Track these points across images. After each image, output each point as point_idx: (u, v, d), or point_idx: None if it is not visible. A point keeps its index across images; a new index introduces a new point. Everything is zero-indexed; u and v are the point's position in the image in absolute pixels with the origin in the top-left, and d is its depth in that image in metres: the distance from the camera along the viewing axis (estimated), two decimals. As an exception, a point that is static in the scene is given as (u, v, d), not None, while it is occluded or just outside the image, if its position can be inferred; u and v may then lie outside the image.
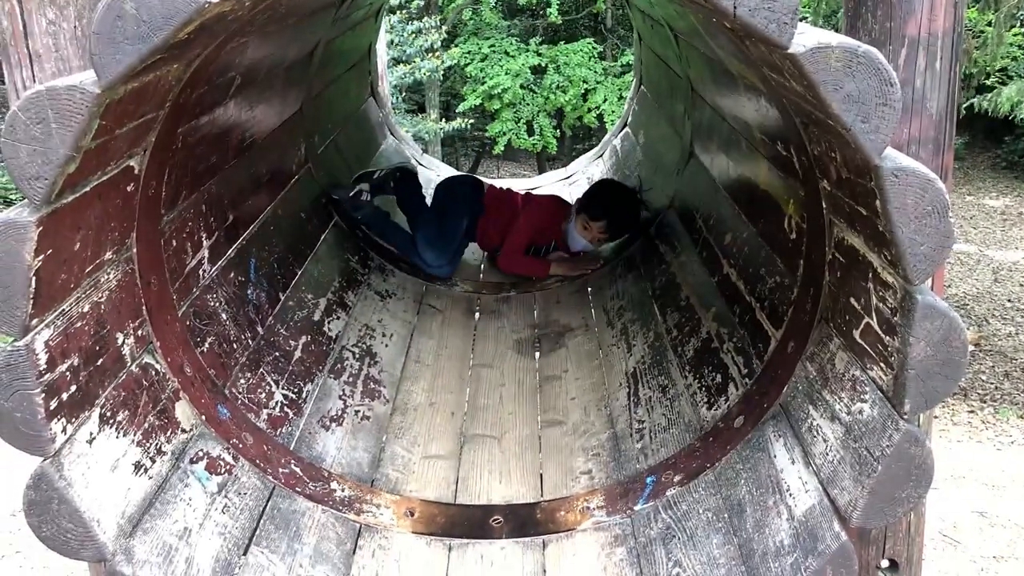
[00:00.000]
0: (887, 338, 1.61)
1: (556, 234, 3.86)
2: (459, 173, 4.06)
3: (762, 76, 1.82)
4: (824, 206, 1.86)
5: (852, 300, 1.75)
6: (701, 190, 3.15)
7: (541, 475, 2.47)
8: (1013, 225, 18.18)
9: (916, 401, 1.57)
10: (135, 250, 1.92)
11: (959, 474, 6.14)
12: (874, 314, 1.66)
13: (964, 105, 11.77)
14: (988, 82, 13.00)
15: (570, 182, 5.13)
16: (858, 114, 1.42)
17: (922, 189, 1.46)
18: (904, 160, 1.49)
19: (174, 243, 2.17)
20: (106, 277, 1.79)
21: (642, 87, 4.93)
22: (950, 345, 1.54)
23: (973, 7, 12.14)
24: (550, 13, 16.43)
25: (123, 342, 1.85)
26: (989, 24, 11.20)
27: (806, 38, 1.42)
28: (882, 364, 1.64)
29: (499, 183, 5.53)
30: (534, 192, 4.37)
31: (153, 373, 1.97)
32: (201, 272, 2.34)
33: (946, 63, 2.00)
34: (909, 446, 1.60)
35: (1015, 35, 14.17)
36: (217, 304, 2.39)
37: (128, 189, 1.83)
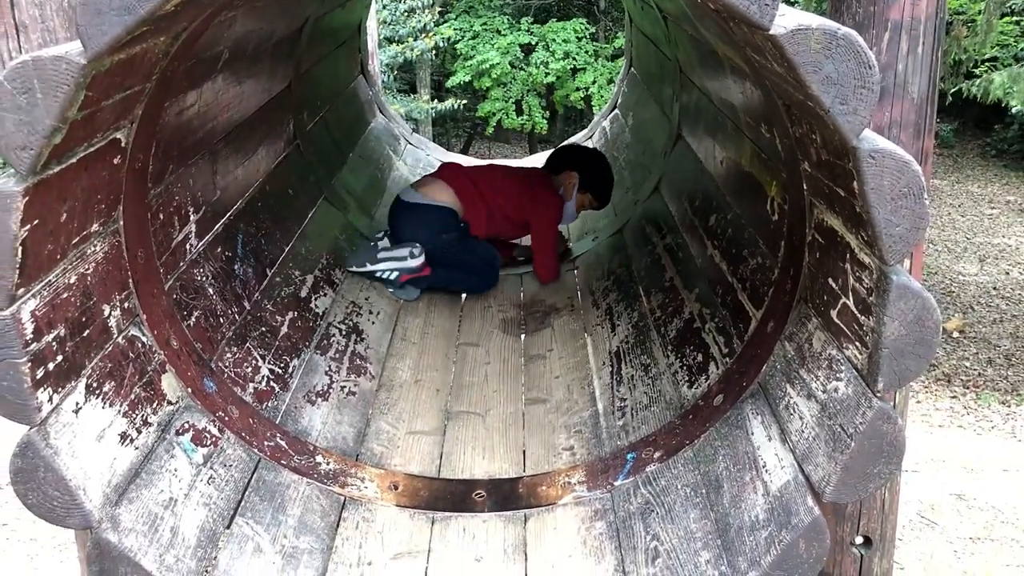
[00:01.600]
0: (863, 318, 1.64)
1: None
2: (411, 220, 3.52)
3: (746, 57, 1.84)
4: (805, 187, 1.88)
5: (830, 280, 1.78)
6: (687, 172, 3.18)
7: (524, 451, 2.50)
8: (1000, 213, 18.30)
9: (889, 379, 1.61)
10: (122, 223, 1.93)
11: (939, 458, 6.23)
12: (851, 294, 1.69)
13: (952, 91, 11.80)
14: (977, 71, 13.05)
15: (559, 163, 5.14)
16: (836, 96, 1.44)
17: (899, 171, 1.48)
18: (881, 142, 1.51)
19: (161, 217, 2.18)
20: (93, 249, 1.80)
21: (632, 69, 4.93)
22: (923, 325, 1.57)
23: (965, -6, 12.15)
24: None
25: (109, 314, 1.87)
26: (980, 12, 11.22)
27: (787, 20, 1.44)
28: (857, 343, 1.68)
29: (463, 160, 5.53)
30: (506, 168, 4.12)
31: (139, 345, 1.98)
32: (188, 246, 2.35)
33: (928, 48, 2.02)
34: (881, 423, 1.63)
35: (1006, 23, 14.19)
36: (204, 279, 2.40)
37: (115, 161, 1.83)
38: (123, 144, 1.85)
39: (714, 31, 2.04)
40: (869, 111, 1.46)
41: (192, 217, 2.39)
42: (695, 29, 2.46)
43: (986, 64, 14.36)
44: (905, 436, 1.65)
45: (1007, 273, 14.44)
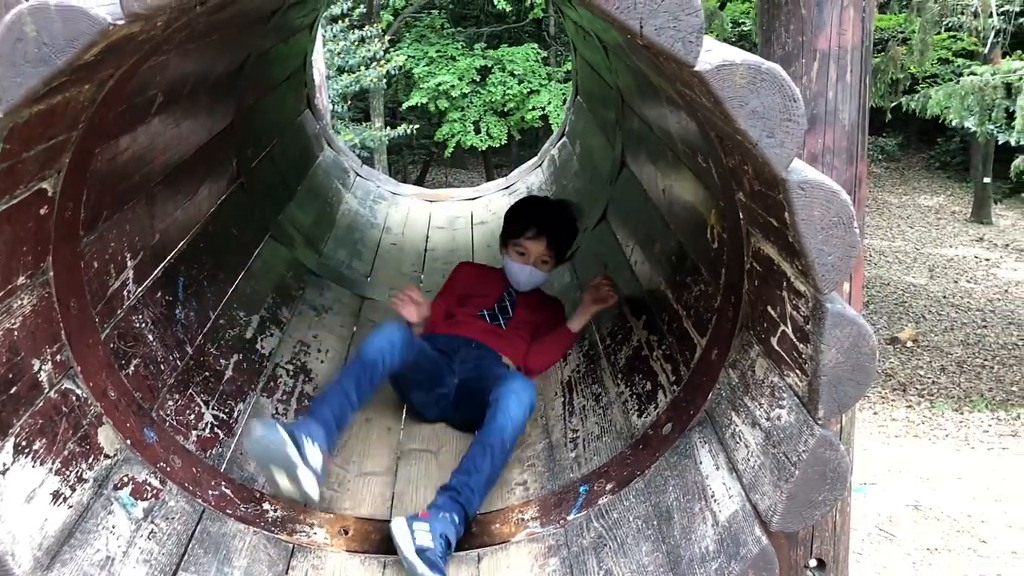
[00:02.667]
0: (801, 345, 1.66)
1: (492, 286, 3.19)
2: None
3: (677, 90, 1.86)
4: (741, 217, 1.90)
5: (769, 308, 1.80)
6: (632, 199, 3.20)
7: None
8: (947, 223, 18.79)
9: (829, 406, 1.62)
10: (52, 273, 1.88)
11: (896, 468, 6.32)
12: (789, 322, 1.70)
13: (892, 107, 12.12)
14: (918, 88, 13.42)
15: (510, 191, 5.16)
16: (763, 129, 1.46)
17: (828, 201, 1.50)
18: (810, 173, 1.53)
19: (95, 264, 2.13)
20: (19, 303, 1.75)
21: (578, 97, 4.98)
22: (860, 351, 1.59)
23: (902, 13, 12.52)
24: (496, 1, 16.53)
25: (40, 368, 1.81)
26: (915, 31, 11.57)
27: (712, 55, 1.46)
28: (797, 371, 1.69)
29: (439, 196, 5.50)
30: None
31: (73, 399, 1.93)
32: (126, 293, 2.29)
33: (856, 76, 2.06)
34: (824, 450, 1.64)
35: (943, 39, 14.61)
36: (143, 325, 2.35)
37: (41, 212, 1.79)
38: (50, 193, 1.80)
39: (647, 64, 2.06)
40: (796, 143, 1.48)
41: (129, 263, 2.33)
42: (631, 60, 2.49)
43: (927, 81, 14.77)
44: (847, 462, 1.66)
45: (955, 282, 14.79)
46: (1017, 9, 11.74)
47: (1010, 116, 11.53)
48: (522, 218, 3.14)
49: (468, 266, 3.40)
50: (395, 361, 2.49)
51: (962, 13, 11.36)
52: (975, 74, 11.49)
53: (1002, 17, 12.46)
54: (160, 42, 1.81)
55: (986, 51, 13.83)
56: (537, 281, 3.14)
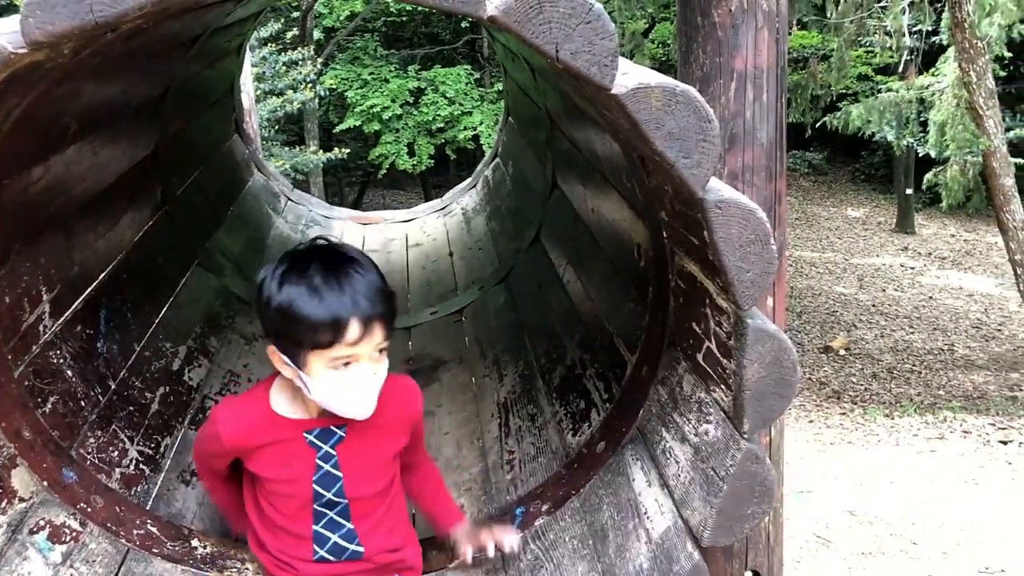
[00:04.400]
0: (725, 361, 1.68)
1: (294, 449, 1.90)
2: None
3: (599, 112, 1.88)
4: (665, 235, 1.93)
5: (694, 325, 1.82)
6: (564, 220, 3.22)
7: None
8: (873, 234, 19.41)
9: (754, 420, 1.65)
10: None
11: (832, 475, 6.46)
12: (713, 338, 1.73)
13: (811, 123, 12.55)
14: (839, 105, 13.90)
15: (445, 212, 5.15)
16: (680, 150, 1.48)
17: (744, 219, 1.54)
18: (727, 192, 1.56)
19: (7, 299, 2.05)
20: (-78, 342, 1.67)
21: (510, 118, 5.00)
22: (781, 365, 1.62)
23: (820, 33, 12.97)
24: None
25: (-54, 411, 1.73)
26: (834, 49, 11.98)
27: (628, 79, 1.48)
28: (723, 386, 1.71)
29: (372, 219, 5.45)
30: None
31: (-16, 441, 1.85)
32: (41, 328, 2.21)
33: (772, 96, 2.12)
34: (751, 464, 1.67)
35: (862, 57, 15.14)
36: (61, 361, 2.27)
37: (-55, 247, 1.72)
38: (-46, 228, 1.74)
39: (570, 87, 2.08)
40: (712, 163, 1.50)
41: (45, 296, 2.25)
42: (557, 82, 2.51)
43: (848, 98, 15.30)
44: (774, 476, 1.69)
45: (883, 290, 15.27)
46: (929, 28, 12.29)
47: (925, 128, 12.02)
48: (330, 312, 1.68)
49: (227, 421, 1.94)
50: None
51: (875, 33, 11.83)
52: (892, 90, 11.95)
53: (915, 36, 13.02)
54: (70, 69, 1.76)
55: (901, 68, 14.41)
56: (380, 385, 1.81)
